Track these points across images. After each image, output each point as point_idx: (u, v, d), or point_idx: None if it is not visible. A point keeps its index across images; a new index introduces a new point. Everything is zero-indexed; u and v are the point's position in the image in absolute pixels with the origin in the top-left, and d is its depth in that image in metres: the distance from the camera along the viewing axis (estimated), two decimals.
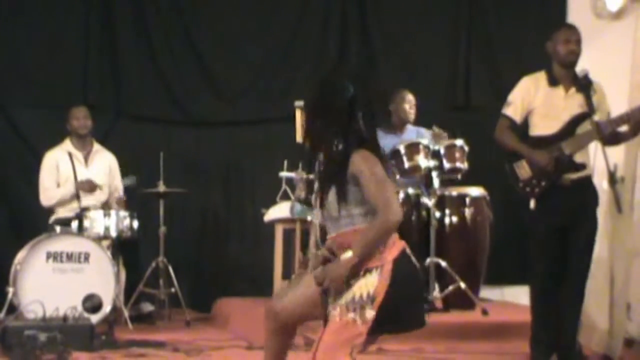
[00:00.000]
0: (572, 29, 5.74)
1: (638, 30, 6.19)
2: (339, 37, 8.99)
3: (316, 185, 4.14)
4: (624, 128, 5.63)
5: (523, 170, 5.74)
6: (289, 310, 4.08)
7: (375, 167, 3.90)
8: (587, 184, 5.76)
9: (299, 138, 7.43)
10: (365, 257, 3.77)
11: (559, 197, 5.67)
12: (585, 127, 5.63)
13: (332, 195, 3.91)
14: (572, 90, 5.68)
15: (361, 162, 3.89)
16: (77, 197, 7.49)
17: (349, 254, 3.76)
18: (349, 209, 3.88)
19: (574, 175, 5.68)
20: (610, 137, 5.56)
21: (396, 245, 3.89)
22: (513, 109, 5.80)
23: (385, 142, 7.48)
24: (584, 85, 5.56)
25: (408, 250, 3.95)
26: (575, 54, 5.67)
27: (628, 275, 6.22)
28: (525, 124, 5.81)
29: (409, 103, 7.80)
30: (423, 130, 7.80)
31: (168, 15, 8.73)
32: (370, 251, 3.78)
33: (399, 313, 3.82)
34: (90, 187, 7.57)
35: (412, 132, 7.78)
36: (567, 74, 5.71)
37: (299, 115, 7.43)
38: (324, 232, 4.20)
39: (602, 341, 6.19)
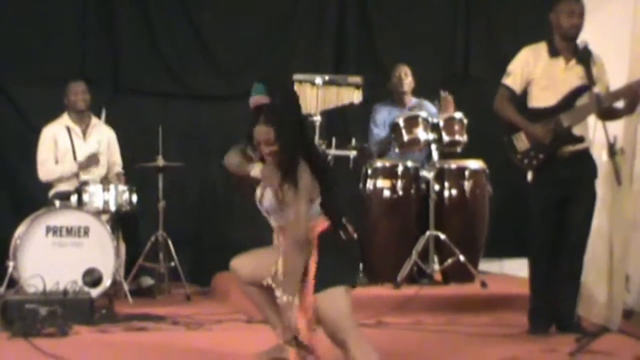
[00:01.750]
0: (576, 0, 5.71)
1: (638, 2, 6.17)
2: (337, 10, 8.97)
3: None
4: (620, 104, 5.62)
5: (521, 142, 5.75)
6: (245, 265, 4.80)
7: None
8: (585, 156, 5.77)
9: None
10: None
11: (557, 169, 5.68)
12: (584, 99, 5.62)
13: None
14: (573, 62, 5.68)
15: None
16: (77, 176, 7.49)
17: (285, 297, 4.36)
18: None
19: (572, 148, 5.69)
20: (607, 112, 5.56)
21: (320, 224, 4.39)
22: (512, 79, 5.79)
23: (391, 116, 7.55)
24: (585, 57, 5.56)
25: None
26: (578, 28, 5.66)
27: (627, 247, 6.23)
28: (525, 95, 5.81)
29: (405, 75, 7.82)
30: (427, 103, 7.80)
31: None
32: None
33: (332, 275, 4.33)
34: (94, 161, 7.56)
35: (415, 103, 7.79)
36: (568, 46, 5.70)
37: (297, 88, 7.44)
38: None
39: (600, 312, 6.21)
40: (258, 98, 4.45)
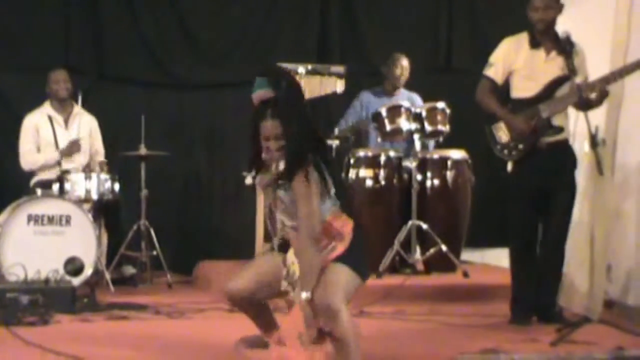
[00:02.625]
0: None
1: None
2: (320, 0, 8.97)
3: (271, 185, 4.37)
4: (592, 95, 5.63)
5: (502, 133, 5.78)
6: (241, 287, 4.41)
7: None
8: (564, 146, 5.81)
9: None
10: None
11: (537, 160, 5.72)
12: (564, 90, 5.65)
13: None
14: (553, 53, 5.70)
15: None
16: (59, 164, 7.46)
17: (304, 294, 4.14)
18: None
19: (551, 139, 5.71)
20: (584, 102, 5.57)
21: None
22: (494, 70, 5.82)
23: (377, 105, 7.54)
24: (566, 47, 5.57)
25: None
26: (543, 21, 5.69)
27: (608, 237, 6.27)
28: (507, 85, 5.83)
29: (400, 67, 7.83)
30: (415, 96, 7.80)
31: None
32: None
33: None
34: (75, 148, 7.54)
35: (403, 96, 7.78)
36: (548, 37, 5.72)
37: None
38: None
39: (581, 302, 6.25)
40: (262, 93, 4.30)
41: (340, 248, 4.27)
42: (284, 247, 4.42)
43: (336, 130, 7.75)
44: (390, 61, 7.85)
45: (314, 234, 4.19)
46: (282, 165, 4.27)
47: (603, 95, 5.63)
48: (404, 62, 7.85)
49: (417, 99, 7.79)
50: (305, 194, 4.20)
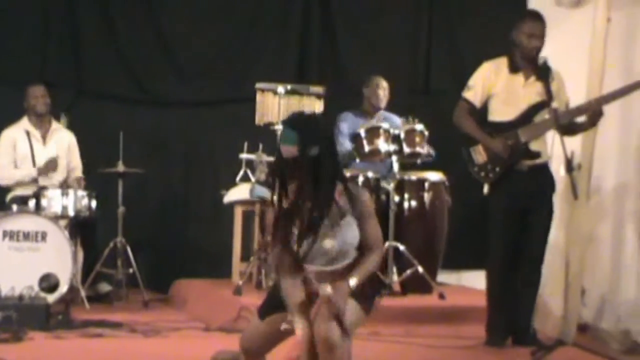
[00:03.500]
0: (538, 21, 5.75)
1: (596, 19, 6.24)
2: (300, 20, 8.99)
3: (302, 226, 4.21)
4: (581, 118, 5.69)
5: (479, 155, 5.80)
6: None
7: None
8: (543, 170, 5.84)
9: (258, 120, 7.46)
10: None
11: (515, 182, 5.74)
12: (543, 115, 5.70)
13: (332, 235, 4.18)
14: (532, 78, 5.74)
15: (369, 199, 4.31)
16: (36, 181, 7.43)
17: (354, 280, 4.12)
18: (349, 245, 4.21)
19: (530, 162, 5.75)
20: (567, 127, 5.62)
21: None
22: (473, 93, 5.85)
23: (356, 125, 7.54)
24: (544, 73, 5.61)
25: None
26: (538, 49, 5.72)
27: (583, 261, 6.30)
28: (485, 108, 5.86)
29: (383, 89, 7.84)
30: (394, 117, 7.81)
31: None
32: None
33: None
34: (52, 166, 7.52)
35: (382, 117, 7.79)
36: (528, 62, 5.76)
37: (259, 97, 7.46)
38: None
39: (556, 326, 6.26)
40: (290, 149, 4.12)
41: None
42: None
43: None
44: (372, 83, 7.85)
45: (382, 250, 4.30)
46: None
47: (596, 117, 5.66)
48: (384, 84, 7.87)
49: (397, 119, 7.80)
50: (367, 219, 4.25)
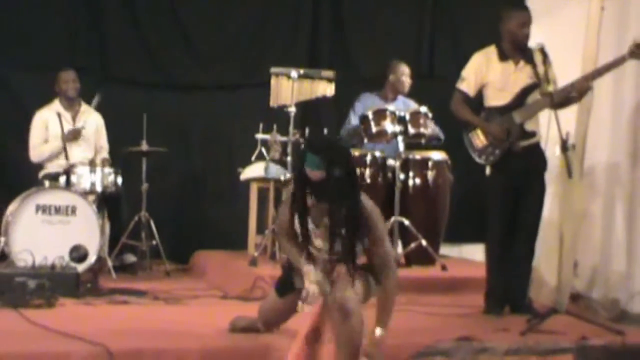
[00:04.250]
0: (526, 12, 5.80)
1: (591, 8, 6.23)
2: (311, 9, 8.99)
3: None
4: (572, 93, 5.69)
5: (478, 140, 5.82)
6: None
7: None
8: (536, 150, 5.85)
9: (272, 103, 7.48)
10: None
11: (511, 162, 5.76)
12: (534, 96, 5.71)
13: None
14: (521, 63, 5.76)
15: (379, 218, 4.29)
16: (64, 150, 7.43)
17: (380, 331, 4.21)
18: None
19: (525, 142, 5.77)
20: (560, 104, 5.63)
21: None
22: (467, 84, 5.89)
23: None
24: (540, 58, 5.60)
25: None
26: (529, 37, 5.74)
27: (576, 235, 6.31)
28: (479, 96, 5.88)
29: (406, 76, 7.81)
30: (412, 103, 7.80)
31: None
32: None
33: None
34: (75, 134, 7.54)
35: (400, 103, 7.77)
36: (518, 49, 5.77)
37: (273, 81, 7.47)
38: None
39: (550, 295, 6.28)
40: (315, 173, 4.16)
41: None
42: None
43: (342, 132, 7.75)
44: (398, 70, 7.79)
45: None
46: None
47: (583, 92, 5.67)
48: (407, 71, 7.83)
49: (414, 105, 7.74)
50: (384, 233, 4.30)
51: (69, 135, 7.51)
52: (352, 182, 4.25)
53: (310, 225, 4.29)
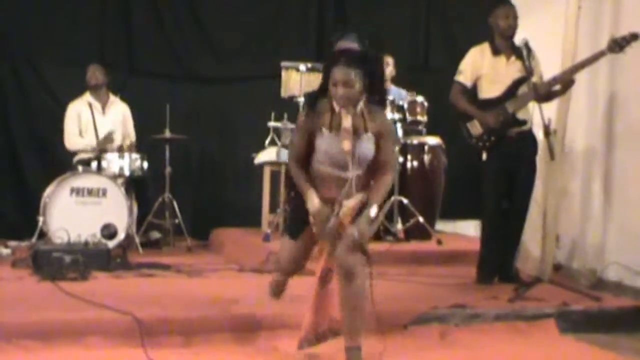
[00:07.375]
0: (510, 6, 5.80)
1: (569, 6, 6.25)
2: (317, 7, 8.99)
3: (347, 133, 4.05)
4: (556, 87, 5.71)
5: (475, 128, 5.82)
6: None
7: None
8: (528, 136, 5.85)
9: (283, 93, 7.50)
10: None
11: (505, 147, 5.75)
12: (524, 89, 5.71)
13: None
14: (512, 58, 5.76)
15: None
16: (96, 149, 7.47)
17: (374, 210, 3.99)
18: (364, 155, 4.06)
19: (518, 129, 5.76)
20: (545, 96, 5.65)
21: None
22: (464, 76, 5.88)
23: None
24: (525, 52, 5.61)
25: None
26: (513, 28, 5.75)
27: (558, 212, 6.33)
28: (474, 87, 5.89)
29: (388, 65, 7.81)
30: (402, 91, 7.81)
31: None
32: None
33: None
34: (108, 140, 7.55)
35: (393, 92, 7.78)
36: (506, 44, 5.79)
37: (284, 74, 7.49)
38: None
39: (534, 266, 6.31)
40: (348, 44, 4.15)
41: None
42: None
43: None
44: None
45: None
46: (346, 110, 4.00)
47: (568, 85, 5.69)
48: (389, 60, 7.84)
49: (403, 93, 7.78)
50: (391, 133, 4.13)
51: (103, 141, 7.54)
52: (380, 70, 4.15)
53: (328, 132, 4.04)
